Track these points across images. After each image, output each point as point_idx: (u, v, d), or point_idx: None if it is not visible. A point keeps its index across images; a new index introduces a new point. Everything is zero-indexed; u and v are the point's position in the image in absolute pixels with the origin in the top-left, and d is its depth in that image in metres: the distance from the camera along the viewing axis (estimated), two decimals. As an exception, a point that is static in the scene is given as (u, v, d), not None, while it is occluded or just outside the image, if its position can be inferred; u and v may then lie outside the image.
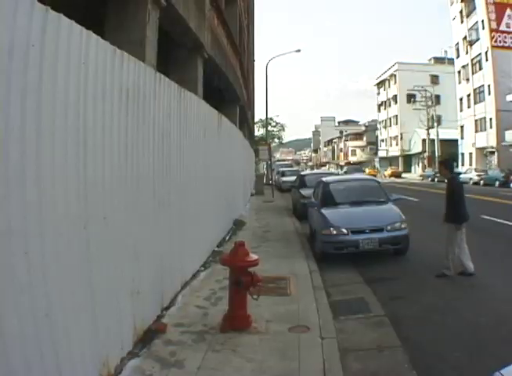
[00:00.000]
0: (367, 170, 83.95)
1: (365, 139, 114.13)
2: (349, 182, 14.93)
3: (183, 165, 8.07)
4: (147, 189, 6.09)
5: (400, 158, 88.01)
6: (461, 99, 66.76)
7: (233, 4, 26.66)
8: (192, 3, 12.53)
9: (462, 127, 66.39)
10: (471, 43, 61.69)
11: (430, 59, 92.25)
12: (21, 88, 3.33)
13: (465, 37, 63.59)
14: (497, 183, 40.20)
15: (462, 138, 66.29)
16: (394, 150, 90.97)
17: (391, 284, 9.25)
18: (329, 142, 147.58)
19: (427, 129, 69.55)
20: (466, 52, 63.54)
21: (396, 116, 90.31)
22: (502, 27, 56.59)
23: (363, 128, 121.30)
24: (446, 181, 10.14)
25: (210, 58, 15.53)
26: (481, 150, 59.35)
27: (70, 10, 4.48)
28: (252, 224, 17.67)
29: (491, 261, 10.78)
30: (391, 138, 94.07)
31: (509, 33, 56.69)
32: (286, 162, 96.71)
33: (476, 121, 61.13)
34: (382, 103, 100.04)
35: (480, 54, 59.45)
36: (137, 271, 5.68)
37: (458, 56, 67.72)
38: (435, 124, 68.50)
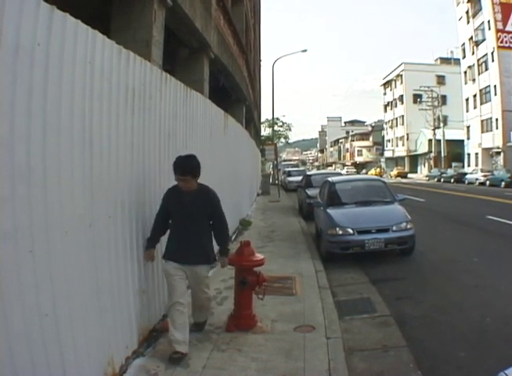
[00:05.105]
0: (372, 170, 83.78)
1: (371, 139, 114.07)
2: (355, 182, 14.92)
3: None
4: (153, 189, 6.10)
5: (406, 158, 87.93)
6: (467, 100, 66.59)
7: (239, 3, 26.67)
8: (198, 3, 12.55)
9: (468, 127, 66.24)
10: (477, 43, 61.55)
11: (436, 60, 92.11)
12: (27, 88, 3.33)
13: (471, 38, 63.47)
14: (503, 184, 39.96)
15: (468, 138, 66.14)
16: (401, 151, 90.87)
17: (396, 284, 9.23)
18: (336, 142, 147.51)
19: (434, 129, 69.45)
20: (473, 53, 63.39)
21: (402, 116, 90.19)
22: (508, 28, 56.40)
23: (369, 129, 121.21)
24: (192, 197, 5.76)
25: (217, 58, 15.55)
26: (487, 150, 59.19)
27: (75, 9, 4.50)
28: (258, 224, 17.69)
29: (495, 261, 10.76)
30: (397, 138, 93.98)
31: (515, 33, 56.61)
32: (292, 162, 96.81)
33: (482, 121, 60.96)
34: (388, 103, 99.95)
35: (486, 54, 59.30)
36: (143, 270, 5.69)
37: (464, 57, 67.55)
38: (441, 125, 68.40)
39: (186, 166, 5.62)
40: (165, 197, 5.87)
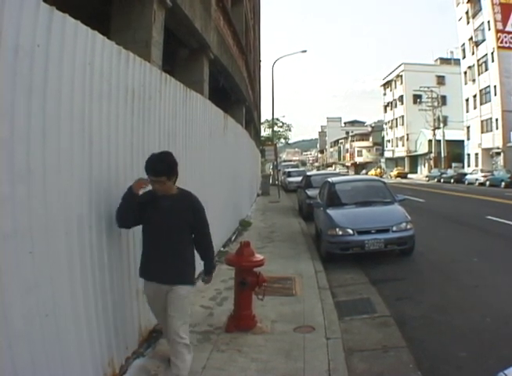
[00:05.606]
0: (372, 171, 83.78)
1: (371, 139, 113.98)
2: (355, 182, 14.93)
3: (189, 166, 8.07)
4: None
5: (406, 159, 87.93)
6: (467, 100, 66.59)
7: (239, 4, 26.66)
8: (197, 3, 12.54)
9: (468, 127, 66.26)
10: (477, 44, 61.56)
11: (436, 60, 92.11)
12: (26, 89, 3.33)
13: (471, 38, 63.48)
14: (503, 184, 39.96)
15: (468, 138, 66.14)
16: (401, 151, 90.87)
17: (396, 285, 9.23)
18: (336, 142, 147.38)
19: (433, 130, 69.43)
20: (473, 53, 63.40)
21: (402, 116, 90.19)
22: (508, 28, 56.42)
23: (369, 129, 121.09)
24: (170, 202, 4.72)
25: (216, 58, 15.54)
26: (487, 150, 59.17)
27: (75, 10, 4.50)
28: (258, 224, 17.69)
29: (495, 261, 10.76)
30: (397, 138, 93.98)
31: (515, 33, 56.61)
32: (292, 163, 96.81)
33: (482, 121, 60.96)
34: (388, 103, 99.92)
35: (486, 55, 59.31)
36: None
37: (464, 57, 67.57)
38: (441, 125, 68.39)
39: (159, 165, 4.58)
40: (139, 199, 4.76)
